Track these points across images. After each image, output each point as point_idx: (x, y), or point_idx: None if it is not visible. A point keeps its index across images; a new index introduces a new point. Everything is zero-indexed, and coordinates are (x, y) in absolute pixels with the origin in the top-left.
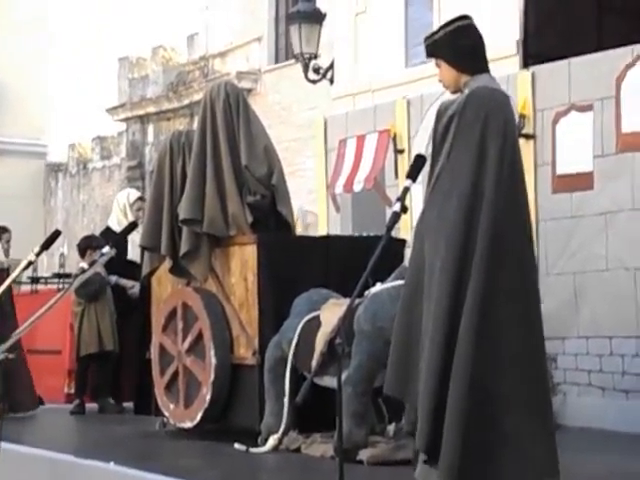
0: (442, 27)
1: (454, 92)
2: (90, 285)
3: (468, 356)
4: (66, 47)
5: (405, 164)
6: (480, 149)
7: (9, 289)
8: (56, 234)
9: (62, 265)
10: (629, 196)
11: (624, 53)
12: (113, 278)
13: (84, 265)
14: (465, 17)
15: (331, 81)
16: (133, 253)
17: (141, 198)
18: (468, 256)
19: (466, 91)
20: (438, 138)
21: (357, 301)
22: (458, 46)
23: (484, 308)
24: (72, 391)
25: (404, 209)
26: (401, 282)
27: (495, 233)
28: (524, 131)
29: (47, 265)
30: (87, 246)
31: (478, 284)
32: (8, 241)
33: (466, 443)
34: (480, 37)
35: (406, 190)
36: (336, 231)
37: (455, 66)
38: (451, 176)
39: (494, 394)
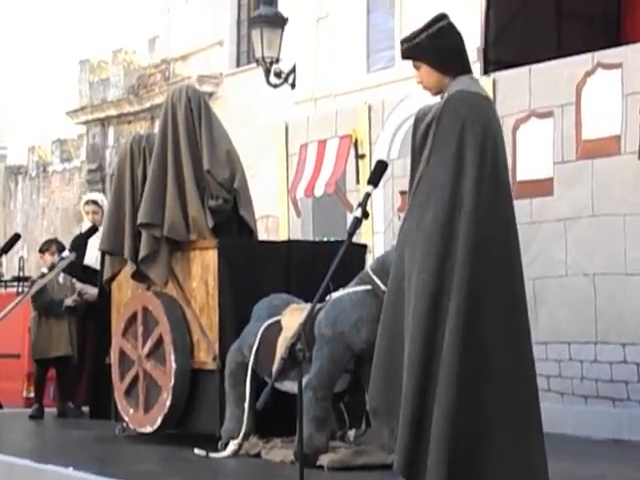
0: (423, 29)
1: (436, 94)
2: (44, 297)
3: (453, 372)
4: (25, 49)
5: (366, 169)
6: (457, 161)
7: None
8: (16, 238)
9: (22, 268)
10: (589, 202)
11: (584, 60)
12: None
13: (44, 269)
14: (444, 17)
15: (292, 85)
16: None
17: (91, 202)
18: (446, 270)
19: (445, 95)
20: (417, 145)
21: (318, 306)
22: (440, 48)
23: (468, 322)
24: (31, 395)
25: (365, 214)
26: (362, 287)
27: (476, 245)
28: None
29: (6, 268)
30: (47, 249)
31: (461, 297)
32: None
33: (453, 462)
34: (460, 37)
35: (367, 196)
36: (297, 236)
37: (438, 69)
38: (429, 186)
39: (480, 410)
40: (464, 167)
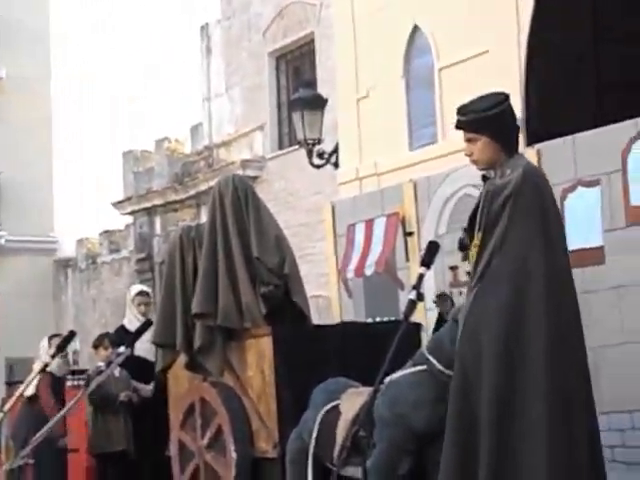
0: (493, 105)
1: (484, 169)
2: (100, 393)
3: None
4: (70, 143)
5: (415, 246)
6: (543, 237)
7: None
8: (71, 335)
9: (75, 362)
10: None
11: (628, 126)
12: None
13: (100, 365)
14: (508, 97)
15: (335, 165)
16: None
17: (141, 293)
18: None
19: (508, 171)
20: (490, 220)
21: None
22: (506, 124)
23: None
24: None
25: (420, 297)
26: (419, 368)
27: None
28: None
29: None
30: (100, 344)
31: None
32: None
33: None
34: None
35: (421, 277)
36: (349, 315)
37: (500, 143)
38: (506, 260)
39: None
40: (550, 238)
